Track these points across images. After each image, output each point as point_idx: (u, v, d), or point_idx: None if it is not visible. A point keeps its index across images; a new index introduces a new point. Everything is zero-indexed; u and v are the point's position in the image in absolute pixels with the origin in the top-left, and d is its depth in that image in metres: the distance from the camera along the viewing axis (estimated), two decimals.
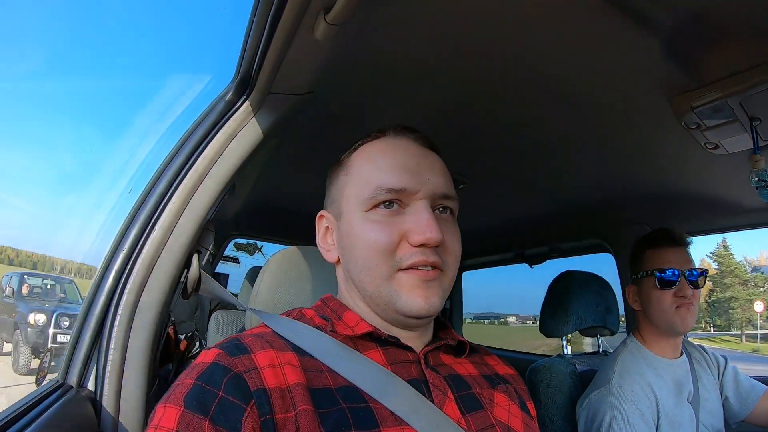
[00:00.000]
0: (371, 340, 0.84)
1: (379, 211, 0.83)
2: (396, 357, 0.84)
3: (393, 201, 0.83)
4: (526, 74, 1.11)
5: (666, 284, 1.50)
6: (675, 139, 1.37)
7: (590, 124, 1.36)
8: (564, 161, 1.67)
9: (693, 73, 1.07)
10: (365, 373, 0.78)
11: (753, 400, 1.60)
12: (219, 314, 2.38)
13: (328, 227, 0.94)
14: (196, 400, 0.65)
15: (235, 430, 0.64)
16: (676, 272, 1.51)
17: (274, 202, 2.34)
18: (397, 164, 0.85)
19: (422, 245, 0.80)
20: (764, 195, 1.23)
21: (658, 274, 1.51)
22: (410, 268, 0.81)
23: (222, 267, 3.61)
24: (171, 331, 2.34)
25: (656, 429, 1.39)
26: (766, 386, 1.63)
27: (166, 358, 2.10)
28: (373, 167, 0.86)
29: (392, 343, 0.84)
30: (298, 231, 2.80)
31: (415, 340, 0.88)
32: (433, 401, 0.79)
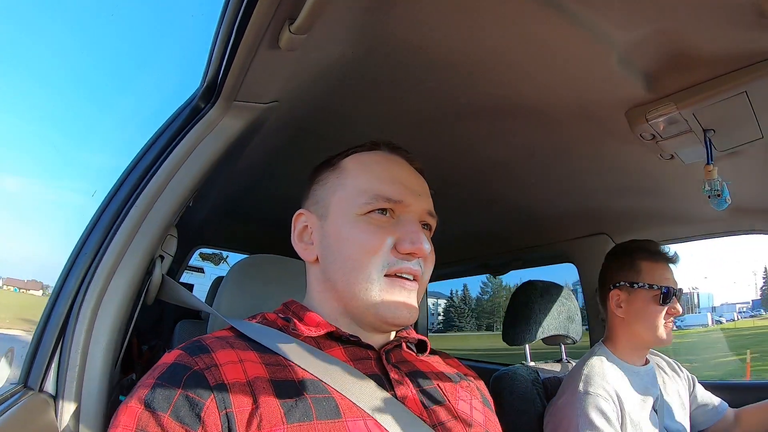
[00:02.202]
0: (332, 339, 0.87)
1: (374, 215, 0.87)
2: (357, 354, 0.87)
3: (387, 210, 0.88)
4: (488, 86, 1.14)
5: (666, 301, 1.55)
6: (632, 150, 1.41)
7: (550, 136, 1.39)
8: (527, 173, 1.70)
9: (647, 87, 1.11)
10: (328, 367, 0.80)
11: (719, 414, 1.71)
12: (183, 324, 2.36)
13: (306, 226, 0.96)
14: (156, 398, 0.67)
15: (195, 424, 0.66)
16: (674, 290, 1.57)
17: (239, 211, 2.33)
18: (395, 177, 0.92)
19: (409, 254, 0.86)
20: (716, 204, 1.24)
21: (664, 289, 1.56)
22: (395, 275, 0.85)
23: (186, 277, 3.58)
24: (134, 342, 2.31)
25: (621, 430, 1.42)
26: (727, 404, 1.74)
27: (129, 367, 2.08)
28: (372, 175, 0.92)
29: (353, 342, 0.87)
30: (263, 240, 2.80)
31: (375, 340, 0.91)
32: (395, 395, 0.82)
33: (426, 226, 0.95)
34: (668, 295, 1.55)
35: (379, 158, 0.96)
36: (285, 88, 1.08)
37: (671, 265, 1.64)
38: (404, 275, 0.86)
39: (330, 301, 0.91)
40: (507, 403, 1.71)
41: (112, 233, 1.00)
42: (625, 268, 1.65)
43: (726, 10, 0.86)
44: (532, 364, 2.01)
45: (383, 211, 0.88)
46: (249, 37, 0.87)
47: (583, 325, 2.12)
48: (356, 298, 0.86)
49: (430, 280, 0.97)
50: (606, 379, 1.49)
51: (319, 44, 0.93)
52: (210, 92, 1.09)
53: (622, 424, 1.43)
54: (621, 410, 1.45)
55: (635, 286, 1.60)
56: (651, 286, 1.57)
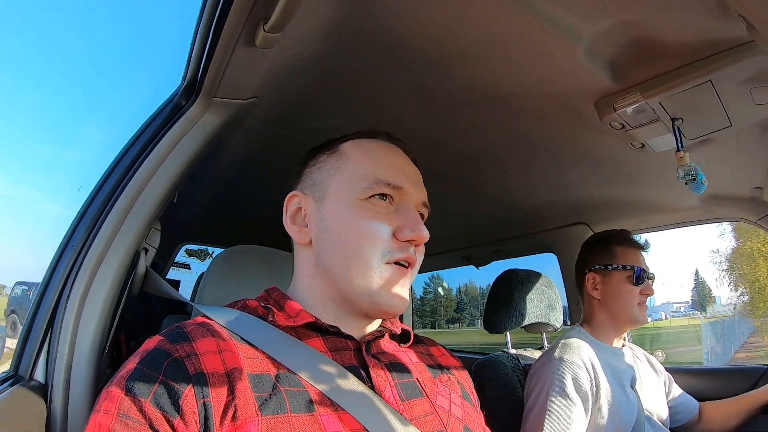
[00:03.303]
0: (312, 329, 0.87)
1: (374, 200, 0.88)
2: (336, 345, 0.86)
3: (387, 195, 0.89)
4: (463, 79, 1.16)
5: (639, 281, 1.65)
6: (605, 140, 1.44)
7: (526, 127, 1.42)
8: (506, 164, 1.73)
9: (613, 77, 1.13)
10: (303, 359, 0.80)
11: (691, 413, 1.81)
12: (170, 319, 2.38)
13: (300, 208, 0.95)
14: (137, 384, 0.67)
15: (173, 411, 0.66)
16: (646, 272, 1.67)
17: (222, 206, 2.34)
18: (396, 165, 0.93)
19: (408, 241, 0.87)
20: (693, 188, 1.24)
21: (637, 270, 1.65)
22: (394, 263, 0.86)
23: (173, 273, 3.59)
24: (122, 338, 2.32)
25: (594, 404, 1.47)
26: (697, 402, 1.83)
27: (118, 363, 2.10)
28: (373, 161, 0.92)
29: (333, 332, 0.87)
30: (247, 234, 2.79)
31: (358, 330, 0.92)
32: (372, 387, 0.81)
33: (420, 215, 0.94)
34: (641, 276, 1.64)
35: (378, 145, 0.96)
36: (263, 85, 1.11)
37: (643, 253, 1.73)
38: (402, 263, 0.86)
39: (320, 285, 0.90)
40: (488, 389, 1.76)
41: (98, 226, 1.03)
42: (600, 253, 1.74)
43: (688, 1, 0.88)
44: (513, 351, 2.05)
45: (383, 196, 0.88)
46: (225, 37, 0.90)
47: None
48: (352, 284, 0.86)
49: None
50: (582, 349, 1.55)
51: (294, 41, 0.96)
52: (190, 89, 1.11)
53: (596, 396, 1.48)
54: (595, 382, 1.49)
55: (609, 267, 1.69)
56: (624, 267, 1.67)
